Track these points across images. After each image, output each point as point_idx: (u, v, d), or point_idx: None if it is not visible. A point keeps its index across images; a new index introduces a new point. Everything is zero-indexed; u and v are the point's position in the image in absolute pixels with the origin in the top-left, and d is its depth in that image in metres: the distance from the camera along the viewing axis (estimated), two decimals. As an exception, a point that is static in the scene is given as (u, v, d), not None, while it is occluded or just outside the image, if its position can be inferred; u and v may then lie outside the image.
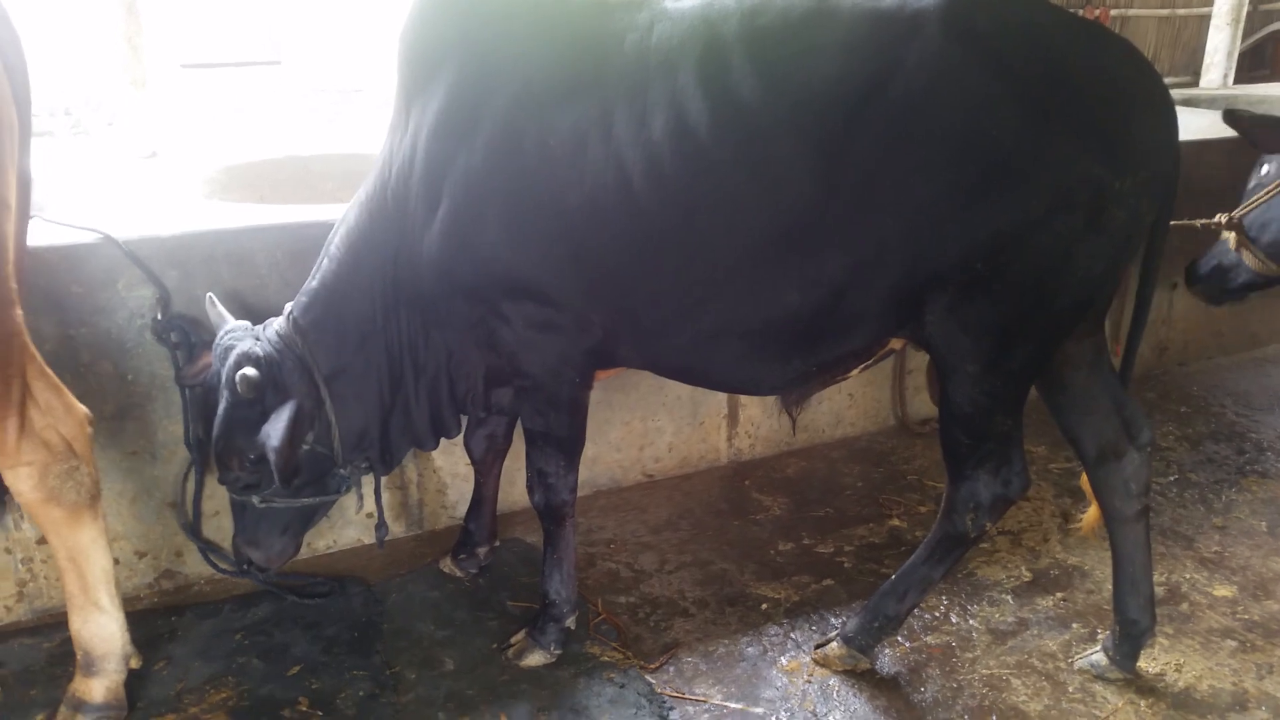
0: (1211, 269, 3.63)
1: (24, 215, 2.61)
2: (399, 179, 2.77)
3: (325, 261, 2.90)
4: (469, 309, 2.79)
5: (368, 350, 2.90)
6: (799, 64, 2.45)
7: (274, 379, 2.79)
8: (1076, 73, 2.37)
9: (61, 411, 2.65)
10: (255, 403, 2.77)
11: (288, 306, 2.91)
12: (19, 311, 2.48)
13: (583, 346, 2.78)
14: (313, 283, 2.90)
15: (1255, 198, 3.40)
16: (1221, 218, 3.49)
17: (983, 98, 2.34)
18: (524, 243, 2.63)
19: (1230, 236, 3.49)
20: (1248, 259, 3.46)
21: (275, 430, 2.67)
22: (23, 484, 2.58)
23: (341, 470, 2.96)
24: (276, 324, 2.89)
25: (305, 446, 2.85)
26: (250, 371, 2.71)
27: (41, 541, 3.17)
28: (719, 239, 2.54)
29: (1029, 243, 2.40)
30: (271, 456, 2.65)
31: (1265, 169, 3.51)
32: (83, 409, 2.72)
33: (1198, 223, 3.55)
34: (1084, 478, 2.91)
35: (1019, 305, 2.48)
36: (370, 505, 3.60)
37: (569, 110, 2.56)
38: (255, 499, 2.89)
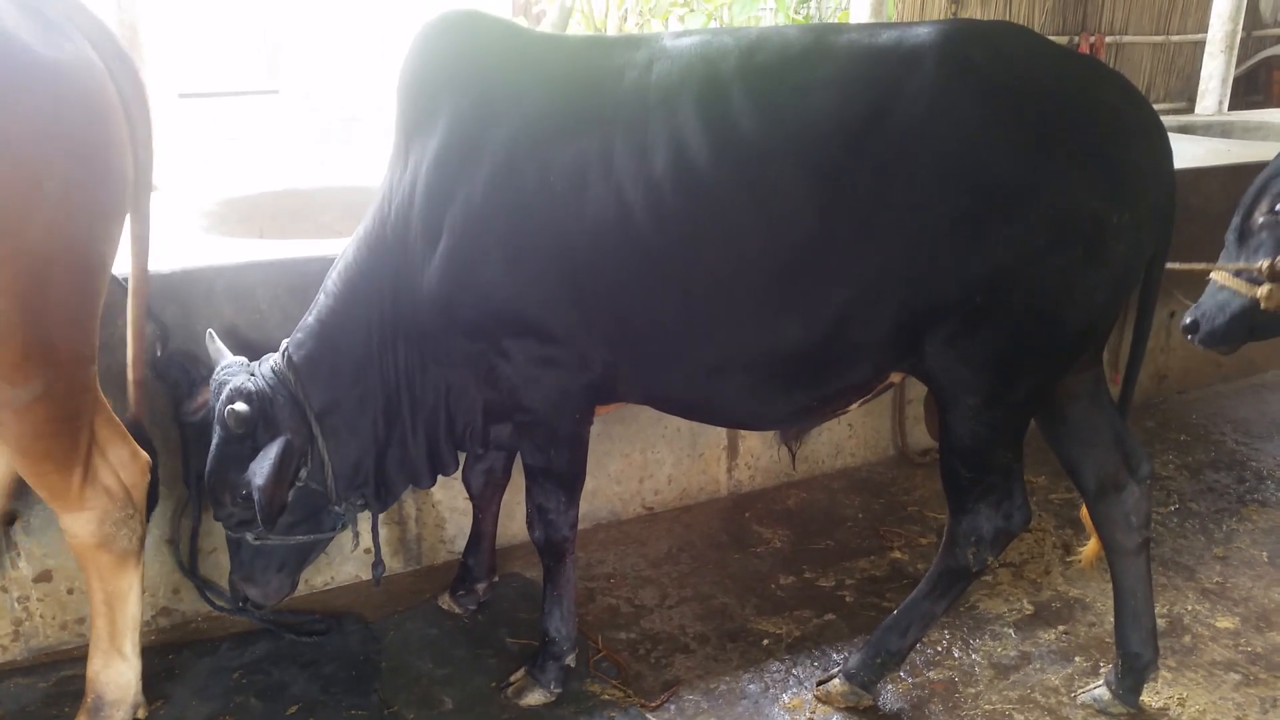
0: (1237, 326, 3.25)
1: (142, 269, 2.71)
2: (399, 214, 2.78)
3: (322, 297, 2.90)
4: (469, 345, 2.79)
5: (363, 385, 2.89)
6: (798, 99, 2.47)
7: (265, 415, 2.79)
8: (1073, 106, 2.41)
9: (125, 459, 2.71)
10: (246, 438, 2.77)
11: (284, 342, 2.91)
12: (94, 368, 2.53)
13: (583, 382, 2.78)
14: (309, 319, 2.90)
15: None
16: (1264, 265, 3.11)
17: (980, 132, 2.36)
18: (525, 278, 2.64)
19: (1265, 292, 3.09)
20: None
21: (262, 469, 2.67)
22: (80, 528, 2.61)
23: (336, 507, 2.95)
24: (272, 360, 2.89)
25: (299, 483, 2.85)
26: (240, 407, 2.71)
27: (39, 580, 3.15)
28: (720, 273, 2.55)
29: (1028, 276, 2.41)
30: (256, 495, 2.64)
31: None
32: (145, 457, 2.77)
33: (1231, 268, 3.26)
34: (1083, 510, 2.91)
35: (1019, 338, 2.49)
36: (367, 542, 3.59)
37: (569, 146, 2.57)
38: (250, 535, 2.88)
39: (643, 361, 2.76)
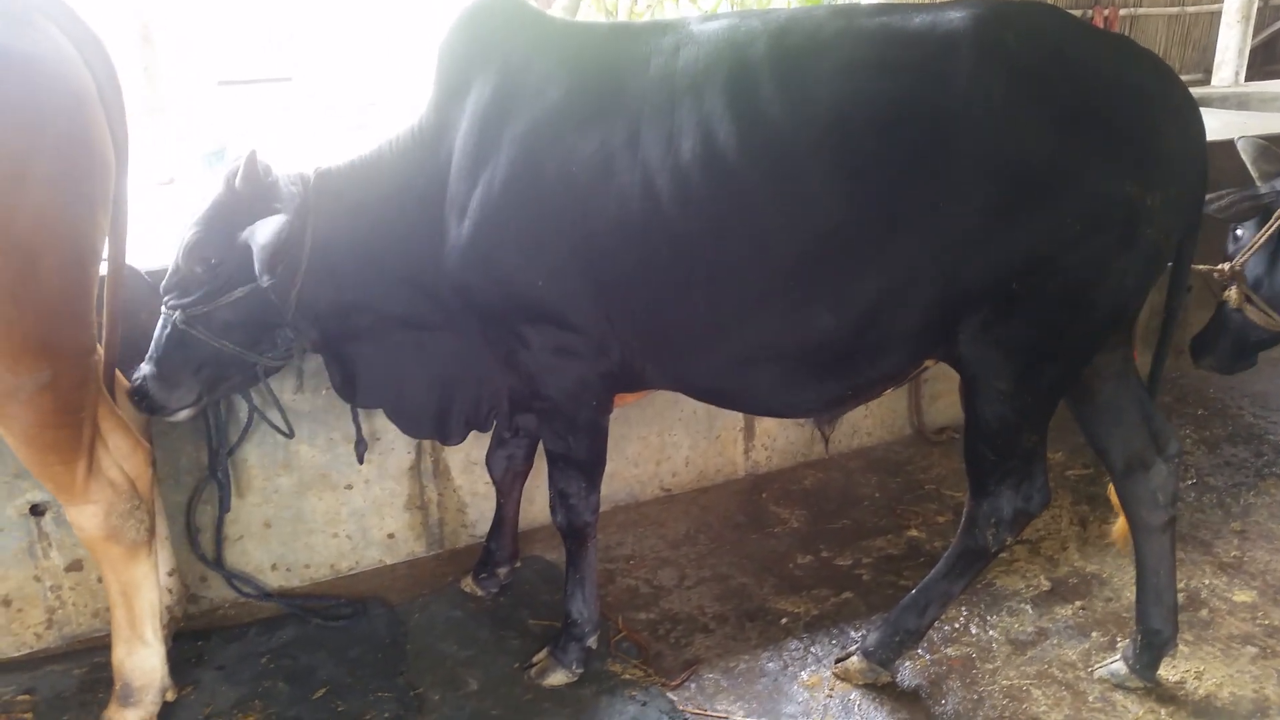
0: (1218, 337, 3.51)
1: (120, 254, 2.67)
2: (435, 178, 2.77)
3: (372, 174, 2.86)
4: (487, 329, 2.83)
5: (362, 288, 2.87)
6: (829, 85, 2.45)
7: (272, 194, 2.76)
8: (1107, 90, 2.39)
9: (127, 451, 2.74)
10: (243, 201, 2.73)
11: (319, 165, 2.88)
12: (96, 358, 2.56)
13: (601, 371, 2.80)
14: (348, 162, 2.88)
15: (1252, 242, 3.29)
16: (1224, 267, 3.36)
17: (1016, 117, 2.35)
18: (545, 266, 2.65)
19: (1231, 294, 3.36)
20: (1252, 315, 3.34)
21: (267, 229, 2.63)
22: (86, 521, 2.65)
23: (289, 331, 2.90)
24: (300, 169, 2.87)
25: (259, 283, 2.75)
26: (263, 159, 2.70)
27: (70, 569, 3.22)
28: (751, 262, 2.55)
29: (1063, 261, 2.41)
30: (257, 251, 2.59)
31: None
32: (147, 447, 2.81)
33: (1200, 268, 3.46)
34: (1110, 488, 2.92)
35: (1052, 323, 2.49)
36: (391, 526, 3.66)
37: (593, 134, 2.58)
38: (179, 314, 2.78)
39: (672, 351, 2.77)
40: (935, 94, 2.38)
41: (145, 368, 2.81)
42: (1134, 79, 2.43)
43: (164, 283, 2.81)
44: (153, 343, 2.83)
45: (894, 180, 2.41)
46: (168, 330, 2.80)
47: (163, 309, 2.82)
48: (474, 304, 2.78)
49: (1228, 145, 4.83)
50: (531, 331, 2.75)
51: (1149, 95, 2.43)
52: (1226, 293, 3.40)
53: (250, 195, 2.73)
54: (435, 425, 3.09)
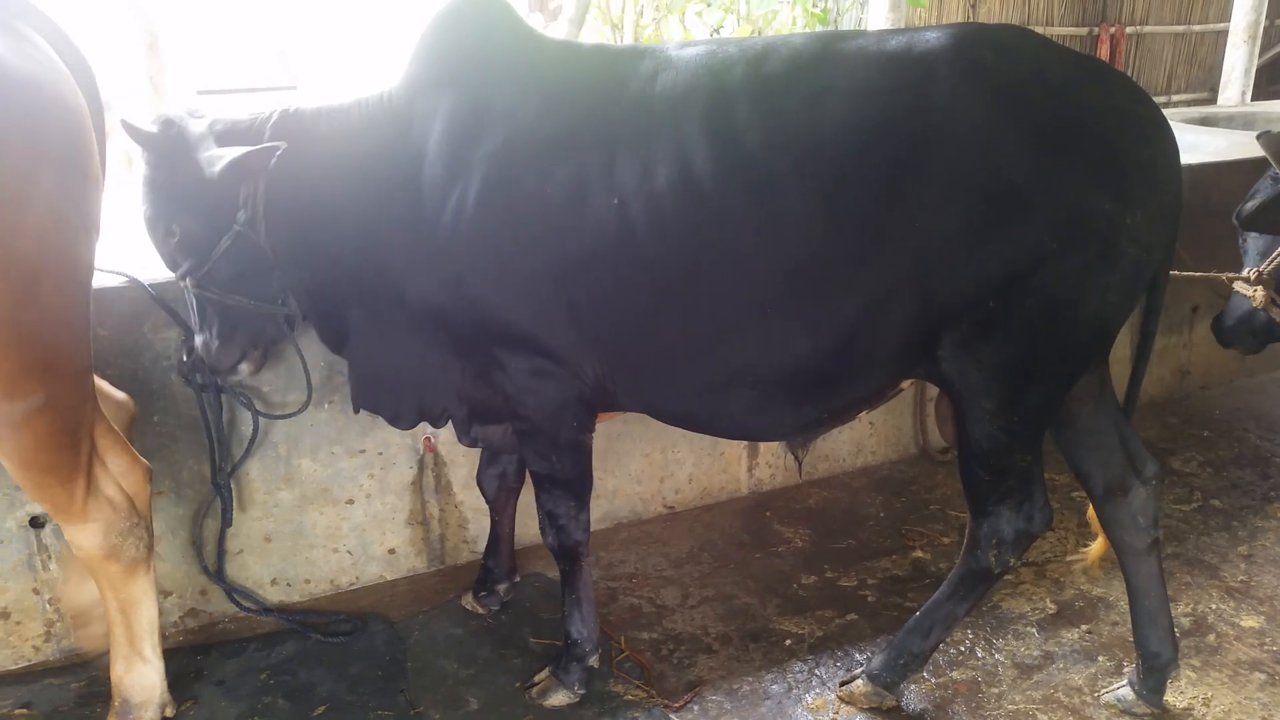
0: (1245, 331, 3.63)
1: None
2: (404, 170, 2.69)
3: (341, 130, 2.79)
4: (460, 348, 2.80)
5: (323, 250, 2.82)
6: (807, 109, 2.46)
7: (188, 143, 2.71)
8: (1084, 109, 2.41)
9: (126, 468, 2.72)
10: (166, 160, 2.72)
11: (284, 108, 2.84)
12: (92, 377, 2.54)
13: (576, 392, 2.77)
14: (322, 108, 2.82)
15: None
16: (1250, 273, 3.42)
17: (995, 136, 2.36)
18: (518, 290, 2.62)
19: (1258, 295, 3.40)
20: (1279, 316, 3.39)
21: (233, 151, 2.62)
22: (86, 540, 2.63)
23: (278, 273, 2.87)
24: (261, 111, 2.82)
25: (237, 226, 2.76)
26: (151, 128, 2.69)
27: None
28: (727, 287, 2.54)
29: (1042, 279, 2.40)
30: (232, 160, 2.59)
31: None
32: (145, 464, 2.79)
33: (1224, 276, 3.50)
34: (1090, 511, 2.91)
35: (1033, 342, 2.48)
36: (392, 542, 3.64)
37: (570, 156, 2.55)
38: (190, 282, 2.81)
39: (644, 376, 2.75)
40: (915, 113, 2.38)
41: (195, 340, 2.93)
42: (1110, 98, 2.45)
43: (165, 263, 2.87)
44: (190, 318, 2.93)
45: (873, 200, 2.41)
46: (192, 301, 2.87)
47: (181, 286, 2.88)
48: (446, 325, 2.75)
49: (1234, 165, 4.85)
50: (506, 355, 2.72)
51: (1126, 114, 2.44)
52: (1253, 291, 3.45)
53: (170, 152, 2.71)
54: (388, 400, 2.99)
